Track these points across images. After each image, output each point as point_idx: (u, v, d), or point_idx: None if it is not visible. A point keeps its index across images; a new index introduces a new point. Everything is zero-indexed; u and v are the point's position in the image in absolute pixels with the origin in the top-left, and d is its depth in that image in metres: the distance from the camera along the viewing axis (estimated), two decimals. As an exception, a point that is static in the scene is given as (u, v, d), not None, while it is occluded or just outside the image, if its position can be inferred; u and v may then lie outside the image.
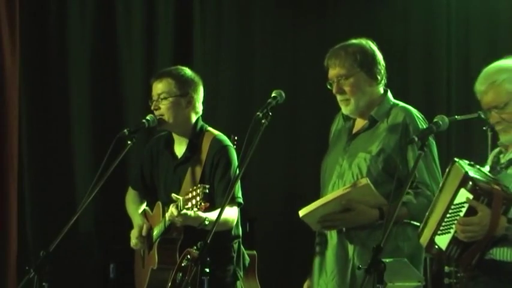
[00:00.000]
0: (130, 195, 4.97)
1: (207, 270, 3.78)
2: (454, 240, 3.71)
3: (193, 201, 4.26)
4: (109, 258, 6.19)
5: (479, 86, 3.90)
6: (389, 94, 4.44)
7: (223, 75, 7.14)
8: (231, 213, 4.55)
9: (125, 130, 4.50)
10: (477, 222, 3.65)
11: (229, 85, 7.15)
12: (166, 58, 6.79)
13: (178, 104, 4.67)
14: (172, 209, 4.39)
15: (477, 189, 3.68)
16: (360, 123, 4.42)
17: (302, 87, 7.09)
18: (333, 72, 4.37)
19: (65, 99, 6.46)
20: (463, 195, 3.71)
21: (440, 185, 3.89)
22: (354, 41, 4.48)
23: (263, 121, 3.99)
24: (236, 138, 6.12)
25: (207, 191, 4.25)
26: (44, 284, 3.92)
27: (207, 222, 4.38)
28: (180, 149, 4.76)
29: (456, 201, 3.74)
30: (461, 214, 3.70)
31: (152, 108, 4.71)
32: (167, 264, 4.60)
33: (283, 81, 6.81)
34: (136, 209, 4.89)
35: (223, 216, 4.09)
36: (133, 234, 4.79)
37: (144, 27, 6.78)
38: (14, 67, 6.07)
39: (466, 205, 3.69)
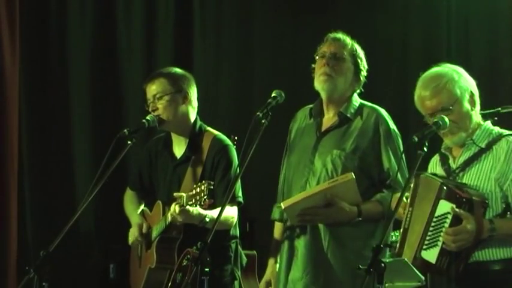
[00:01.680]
0: (128, 196, 4.97)
1: (207, 270, 3.78)
2: (442, 252, 3.73)
3: (197, 197, 4.27)
4: (109, 258, 6.19)
5: (423, 91, 3.93)
6: (355, 94, 4.48)
7: (223, 76, 7.14)
8: (232, 212, 4.56)
9: (125, 130, 4.50)
10: (466, 230, 3.68)
11: (229, 85, 7.15)
12: (167, 58, 6.79)
13: (175, 100, 4.69)
14: (174, 206, 4.39)
15: (458, 198, 3.70)
16: (328, 120, 4.45)
17: (302, 87, 7.08)
18: (330, 48, 4.41)
19: (65, 99, 6.46)
20: (445, 206, 3.73)
21: (409, 200, 3.88)
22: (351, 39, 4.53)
23: (263, 121, 4.00)
24: (236, 138, 6.13)
25: (212, 187, 4.25)
26: (44, 284, 3.92)
27: (207, 220, 4.39)
28: (179, 149, 4.77)
29: (437, 213, 3.75)
30: (446, 225, 3.71)
31: (150, 110, 4.71)
32: (165, 264, 4.60)
33: (283, 81, 6.81)
34: (134, 209, 4.89)
35: (223, 215, 4.11)
36: (132, 232, 4.79)
37: (144, 28, 6.78)
38: (14, 67, 6.07)
39: (450, 215, 3.70)
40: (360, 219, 4.22)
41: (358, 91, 4.49)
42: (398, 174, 4.28)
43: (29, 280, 3.95)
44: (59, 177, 6.37)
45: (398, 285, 3.88)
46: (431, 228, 3.76)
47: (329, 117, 4.45)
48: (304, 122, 4.54)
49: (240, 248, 4.80)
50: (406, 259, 3.82)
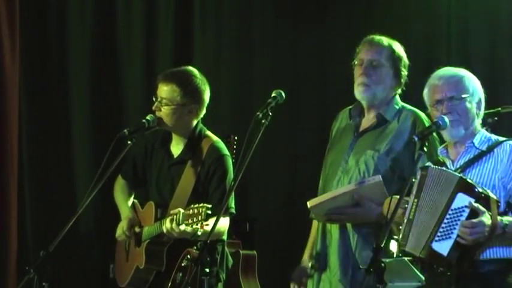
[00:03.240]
0: (119, 185, 4.94)
1: (207, 270, 3.78)
2: (456, 245, 3.73)
3: (194, 219, 4.26)
4: (109, 258, 6.19)
5: (436, 81, 3.98)
6: (397, 96, 4.48)
7: (223, 75, 7.14)
8: (223, 223, 4.56)
9: (125, 130, 4.49)
10: (483, 223, 3.69)
11: (229, 85, 7.15)
12: (167, 58, 6.79)
13: (180, 112, 4.65)
14: (172, 225, 4.38)
15: (477, 192, 3.72)
16: (366, 121, 4.45)
17: (302, 87, 7.09)
18: (367, 55, 4.40)
19: (65, 99, 6.45)
20: (462, 199, 3.73)
21: (415, 191, 3.89)
22: (390, 39, 4.53)
23: (263, 121, 3.99)
24: (236, 138, 6.13)
25: (210, 212, 4.25)
26: (44, 284, 3.92)
27: (199, 233, 4.37)
28: (176, 148, 4.76)
29: (454, 205, 3.76)
30: (463, 218, 3.72)
31: (153, 108, 4.70)
32: (153, 265, 4.62)
33: (283, 81, 6.81)
34: (125, 199, 4.87)
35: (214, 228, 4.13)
36: (122, 226, 4.78)
37: (144, 27, 6.78)
38: (14, 67, 6.06)
39: (467, 209, 3.71)
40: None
41: (399, 92, 4.48)
42: None
43: (29, 280, 3.95)
44: (59, 177, 6.37)
45: (398, 285, 3.88)
46: (446, 220, 3.77)
47: (368, 118, 4.46)
48: (344, 122, 4.56)
49: (226, 249, 4.79)
50: (411, 250, 3.82)
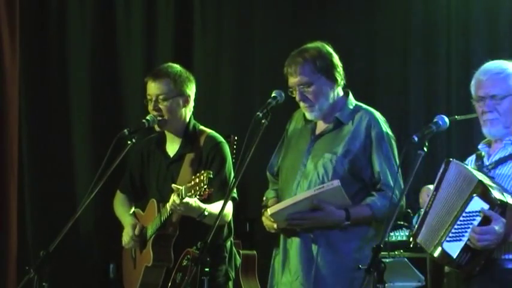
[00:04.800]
0: (119, 199, 4.95)
1: (207, 270, 3.78)
2: (465, 248, 3.72)
3: (197, 188, 4.25)
4: (109, 258, 6.19)
5: (482, 76, 3.92)
6: (350, 96, 4.44)
7: (223, 75, 7.14)
8: (228, 208, 4.55)
9: (125, 130, 4.49)
10: (493, 231, 3.66)
11: (229, 85, 7.15)
12: (167, 58, 6.78)
13: (178, 104, 4.69)
14: (174, 197, 4.38)
15: (493, 199, 3.68)
16: (322, 124, 4.43)
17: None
18: (293, 80, 4.36)
19: (65, 100, 6.46)
20: (477, 203, 3.71)
21: (436, 184, 3.89)
22: (309, 45, 4.47)
23: (263, 121, 3.99)
24: (236, 138, 6.13)
25: (211, 175, 4.25)
26: (44, 284, 3.92)
27: (206, 213, 4.39)
28: (172, 148, 4.77)
29: (469, 208, 3.73)
30: (475, 223, 3.70)
31: (152, 108, 4.70)
32: (161, 261, 4.59)
33: (283, 81, 6.81)
34: (126, 210, 4.87)
35: (218, 211, 4.16)
36: (126, 232, 4.78)
37: (144, 27, 6.79)
38: (14, 67, 6.07)
39: (481, 214, 3.69)
40: (349, 222, 4.22)
41: (341, 87, 4.43)
42: (389, 178, 4.27)
43: (29, 280, 3.95)
44: (59, 177, 6.37)
45: (398, 285, 3.89)
46: (459, 222, 3.75)
47: (324, 121, 4.44)
48: (300, 123, 4.53)
49: (234, 248, 4.79)
50: (421, 243, 3.83)
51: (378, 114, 4.38)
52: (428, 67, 7.26)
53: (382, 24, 7.16)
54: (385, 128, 4.34)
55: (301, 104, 4.37)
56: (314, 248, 4.28)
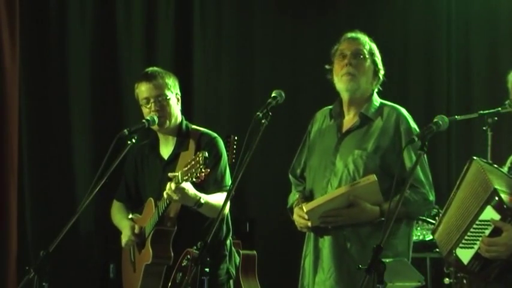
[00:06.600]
0: (115, 207, 4.96)
1: (207, 270, 3.78)
2: (476, 256, 3.71)
3: (193, 170, 4.26)
4: (109, 258, 6.19)
5: None
6: (375, 93, 4.47)
7: (224, 76, 7.14)
8: (222, 199, 4.56)
9: (125, 130, 4.49)
10: (503, 243, 3.66)
11: (229, 85, 7.15)
12: (167, 58, 6.79)
13: (174, 102, 4.72)
14: (170, 184, 4.39)
15: (505, 210, 3.66)
16: (348, 121, 4.44)
17: (302, 87, 7.09)
18: (352, 46, 4.41)
19: (65, 100, 6.46)
20: (490, 213, 3.70)
21: (458, 181, 3.89)
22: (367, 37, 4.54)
23: (263, 121, 3.99)
24: (236, 138, 6.12)
25: (207, 155, 4.26)
26: (44, 284, 3.92)
27: (202, 202, 4.40)
28: (166, 150, 4.78)
29: (482, 217, 3.72)
30: (486, 232, 3.69)
31: (153, 110, 4.70)
32: (161, 259, 4.58)
33: (283, 81, 6.81)
34: (123, 216, 4.88)
35: (216, 202, 4.35)
36: (125, 233, 4.78)
37: (144, 27, 6.79)
38: (14, 67, 6.07)
39: (492, 225, 3.68)
40: (383, 219, 4.23)
41: (376, 90, 4.48)
42: (421, 174, 4.28)
43: (29, 280, 3.94)
44: (59, 177, 6.37)
45: (398, 285, 3.88)
46: (472, 230, 3.74)
47: (350, 118, 4.45)
48: (324, 123, 4.54)
49: (233, 248, 4.80)
50: (437, 242, 3.88)
51: (404, 111, 4.43)
52: (429, 67, 7.26)
53: (381, 25, 7.16)
54: (413, 123, 4.38)
55: (345, 69, 4.38)
56: (347, 244, 4.29)
